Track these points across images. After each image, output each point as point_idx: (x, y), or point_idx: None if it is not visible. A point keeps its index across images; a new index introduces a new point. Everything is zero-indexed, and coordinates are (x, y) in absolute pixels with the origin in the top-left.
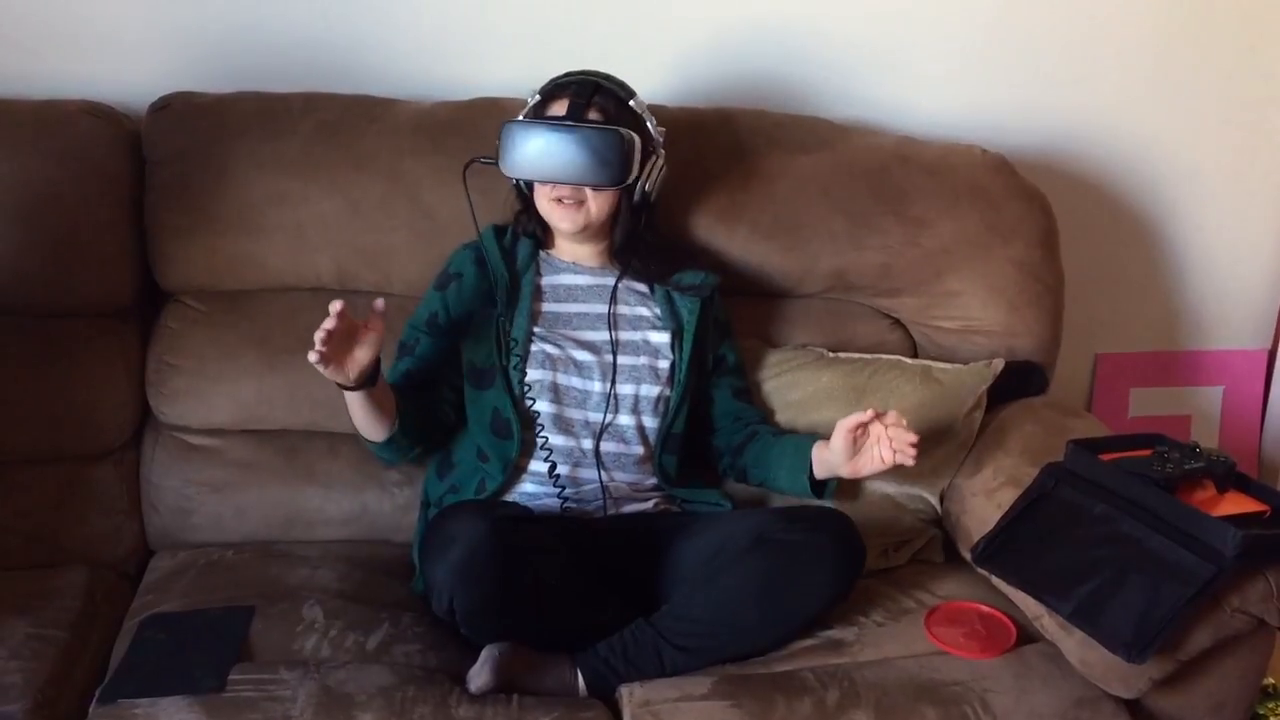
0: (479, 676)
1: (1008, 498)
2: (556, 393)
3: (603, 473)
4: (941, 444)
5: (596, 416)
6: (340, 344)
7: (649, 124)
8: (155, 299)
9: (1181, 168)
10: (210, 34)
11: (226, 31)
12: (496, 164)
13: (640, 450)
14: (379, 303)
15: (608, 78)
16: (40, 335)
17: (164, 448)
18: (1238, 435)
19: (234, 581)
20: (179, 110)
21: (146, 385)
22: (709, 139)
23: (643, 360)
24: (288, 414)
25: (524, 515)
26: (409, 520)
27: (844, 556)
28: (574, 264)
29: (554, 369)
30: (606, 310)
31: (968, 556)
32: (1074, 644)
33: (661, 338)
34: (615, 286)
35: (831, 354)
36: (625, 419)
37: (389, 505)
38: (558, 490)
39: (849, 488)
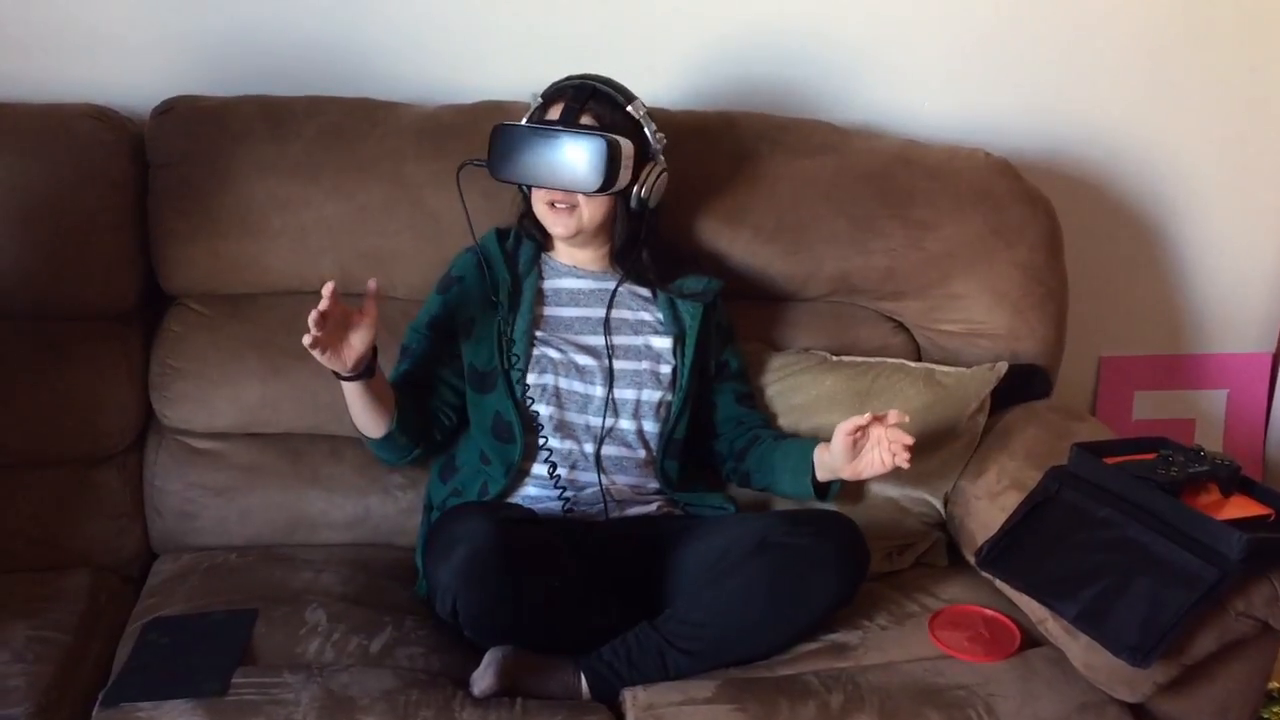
0: (482, 680)
1: (1011, 501)
2: (558, 397)
3: (603, 476)
4: (945, 447)
5: (598, 420)
6: (335, 329)
7: (647, 130)
8: (158, 302)
9: (1185, 171)
10: (213, 38)
11: (229, 35)
12: (486, 166)
13: (642, 454)
14: (372, 283)
15: (607, 82)
16: (43, 338)
17: (167, 451)
18: (1242, 439)
19: (237, 585)
20: (182, 114)
21: (150, 388)
22: (712, 142)
23: (644, 365)
24: (291, 417)
25: (528, 517)
26: (412, 524)
27: (848, 561)
28: (575, 268)
29: (555, 373)
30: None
31: (972, 560)
32: (1078, 648)
33: (663, 343)
34: (614, 291)
35: (835, 358)
36: (626, 423)
37: (392, 509)
38: (559, 493)
39: (852, 491)
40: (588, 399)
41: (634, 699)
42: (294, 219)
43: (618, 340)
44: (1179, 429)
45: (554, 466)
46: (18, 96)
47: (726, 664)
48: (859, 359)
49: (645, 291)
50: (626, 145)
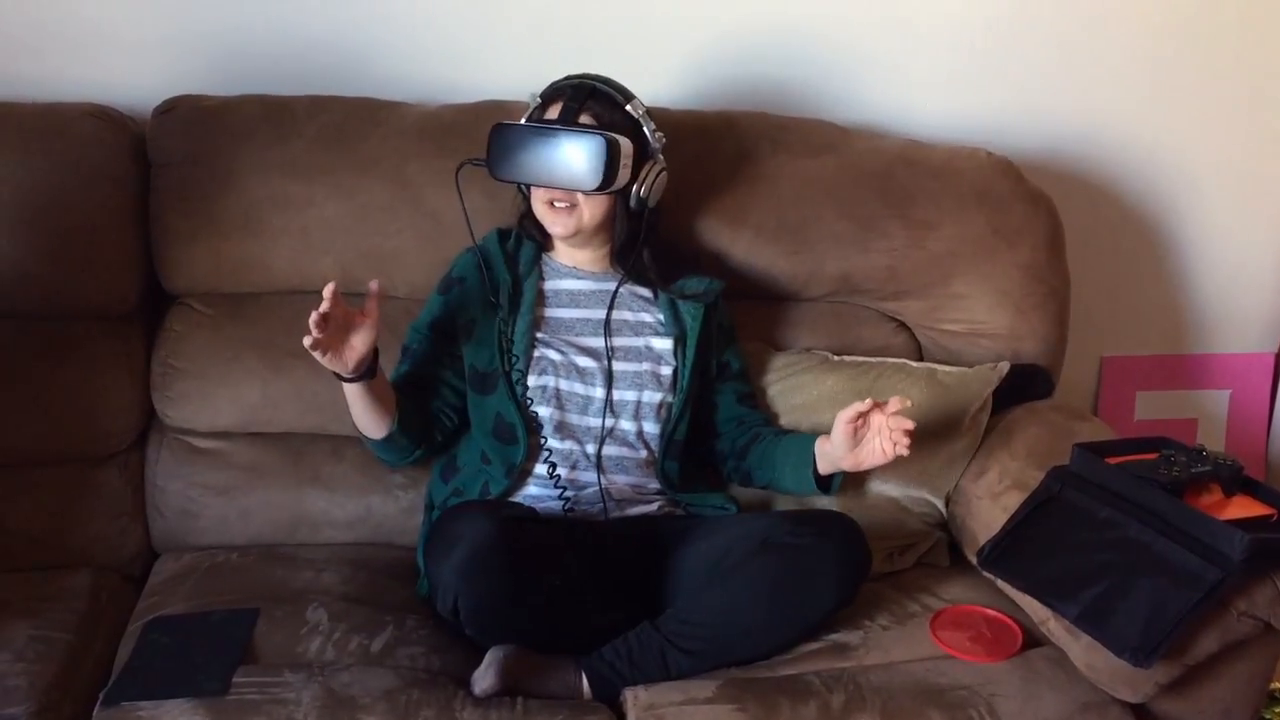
0: (483, 679)
1: (1013, 501)
2: (559, 398)
3: (603, 477)
4: (947, 447)
5: (598, 421)
6: (336, 330)
7: (646, 129)
8: (160, 302)
9: (1188, 170)
10: (215, 37)
11: (231, 34)
12: (486, 166)
13: (643, 455)
14: (374, 284)
15: (606, 81)
16: (45, 338)
17: (169, 450)
18: (1245, 439)
19: (238, 584)
20: (184, 113)
21: (151, 388)
22: (713, 142)
23: (645, 366)
24: (292, 417)
25: (529, 516)
26: (413, 523)
27: (850, 561)
28: (575, 269)
29: (556, 374)
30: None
31: (973, 560)
32: (1080, 648)
33: (664, 344)
34: (614, 292)
35: (836, 357)
36: (627, 424)
37: (393, 508)
38: (560, 493)
39: (854, 489)
40: (588, 400)
41: (635, 699)
42: (295, 218)
43: (618, 342)
44: (1181, 429)
45: (554, 467)
46: (19, 96)
47: (728, 664)
48: (860, 359)
49: (646, 292)
50: (625, 144)
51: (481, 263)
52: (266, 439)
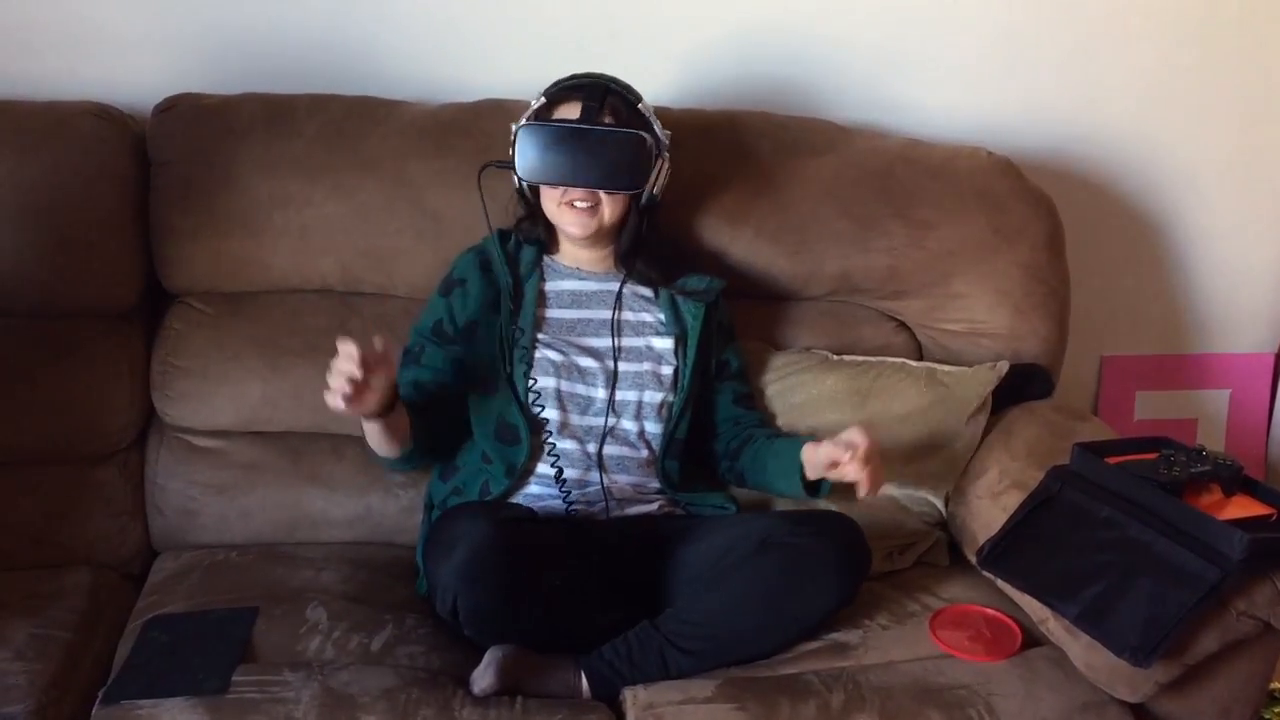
0: (482, 678)
1: (1013, 501)
2: (560, 399)
3: (605, 476)
4: (946, 447)
5: (599, 421)
6: (359, 389)
7: (656, 127)
8: (160, 300)
9: (1188, 170)
10: (215, 35)
11: (232, 33)
12: (512, 168)
13: (644, 454)
14: (379, 341)
15: (615, 80)
16: (45, 336)
17: (169, 449)
18: (1244, 439)
19: (238, 583)
20: (184, 112)
21: (151, 387)
22: (714, 141)
23: (646, 366)
24: (292, 416)
25: (528, 516)
26: (413, 522)
27: (850, 561)
28: (578, 269)
29: (557, 375)
30: (610, 316)
31: (973, 559)
32: (1079, 648)
33: (665, 343)
34: (620, 292)
35: (836, 357)
36: (628, 424)
37: (393, 507)
38: (564, 495)
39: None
40: (589, 400)
41: (634, 698)
42: (295, 217)
43: (621, 342)
44: (1181, 429)
45: (561, 471)
46: (19, 94)
47: (728, 663)
48: (860, 358)
49: (647, 292)
50: (651, 142)
51: (487, 260)
52: (266, 438)
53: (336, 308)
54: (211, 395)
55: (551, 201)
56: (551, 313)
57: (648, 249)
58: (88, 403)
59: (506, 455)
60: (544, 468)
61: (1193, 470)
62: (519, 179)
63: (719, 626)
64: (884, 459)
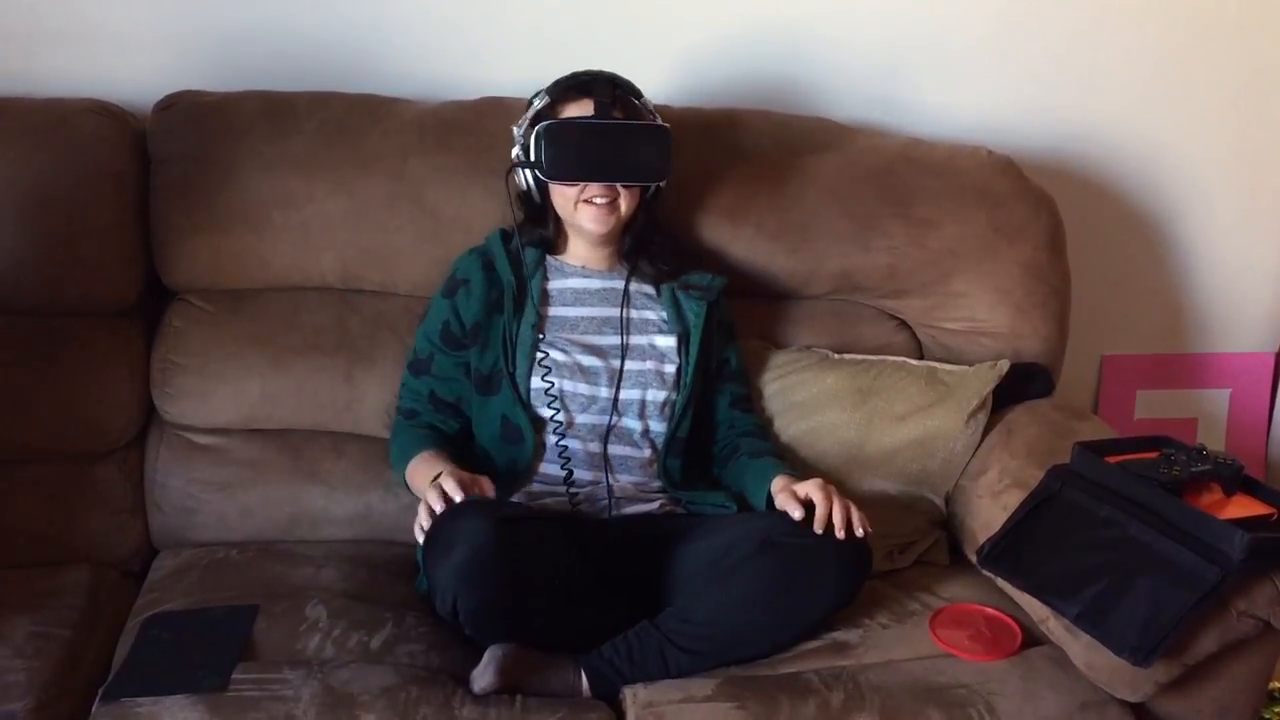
0: (482, 677)
1: (1013, 500)
2: (563, 398)
3: (609, 475)
4: (946, 446)
5: (602, 420)
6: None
7: (659, 120)
8: (160, 298)
9: (1189, 169)
10: (216, 33)
11: (232, 30)
12: (535, 168)
13: (646, 453)
14: (485, 483)
15: (616, 76)
16: (45, 334)
17: (168, 447)
18: (1245, 438)
19: (238, 581)
20: (184, 109)
21: (151, 384)
22: (714, 140)
23: (649, 365)
24: (292, 413)
25: (528, 515)
26: (413, 520)
27: (850, 562)
28: (583, 268)
29: (560, 374)
30: (613, 314)
31: (973, 559)
32: (1080, 647)
33: (668, 341)
34: (626, 289)
35: (836, 355)
36: (632, 423)
37: (393, 505)
38: (570, 495)
39: (853, 490)
40: (592, 399)
41: (634, 697)
42: (295, 215)
43: (628, 340)
44: (1181, 428)
45: (570, 474)
46: (20, 92)
47: (728, 663)
48: (860, 357)
49: (649, 289)
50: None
51: (489, 261)
52: (266, 435)
53: (336, 305)
54: (211, 393)
55: (568, 200)
56: (555, 311)
57: (650, 246)
58: (88, 400)
59: (509, 454)
60: (547, 467)
61: (1193, 469)
62: (531, 180)
63: (719, 626)
64: (877, 464)
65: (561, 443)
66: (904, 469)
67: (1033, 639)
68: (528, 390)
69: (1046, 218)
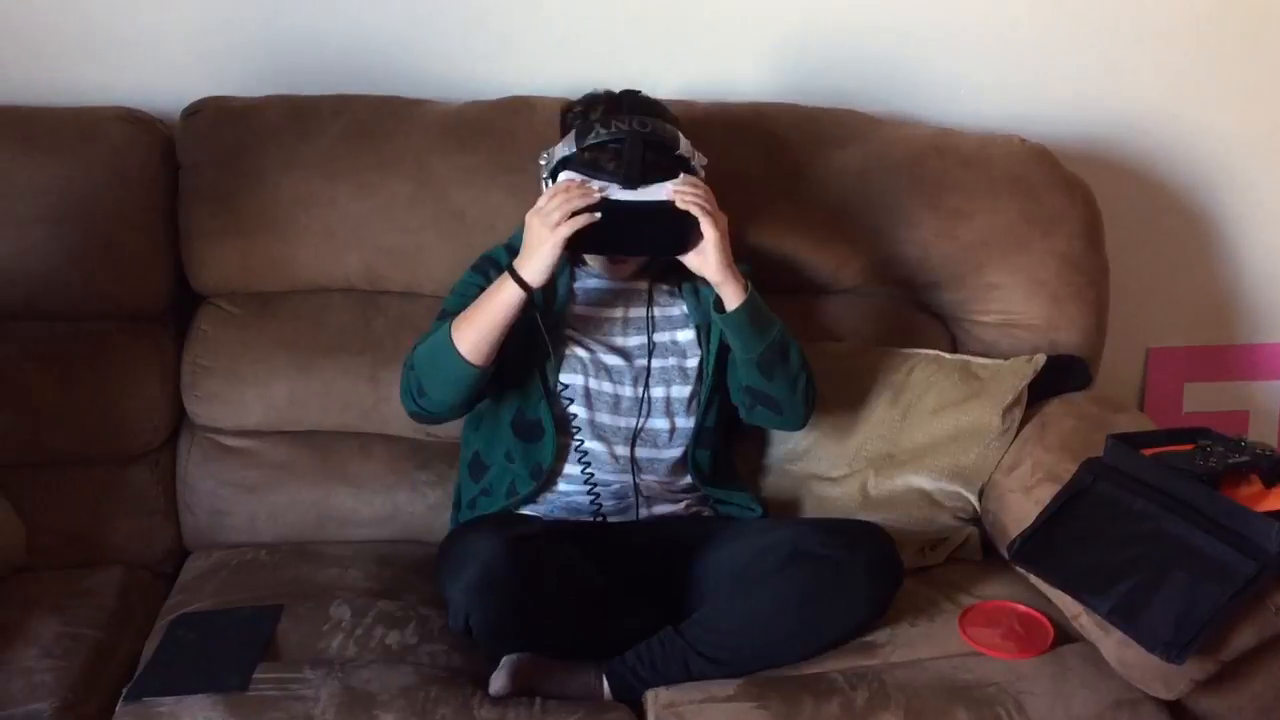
0: (496, 681)
1: (1046, 494)
2: (588, 397)
3: (637, 475)
4: (980, 441)
5: (628, 421)
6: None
7: (695, 163)
8: (189, 302)
9: (1232, 154)
10: (240, 39)
11: (257, 36)
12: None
13: (674, 452)
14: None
15: (648, 118)
16: (76, 339)
17: (199, 449)
18: None
19: (265, 581)
20: (211, 115)
21: (181, 387)
22: (741, 135)
23: (671, 361)
24: (319, 415)
25: (541, 532)
26: (440, 520)
27: (881, 576)
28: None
29: (585, 373)
30: (638, 314)
31: (1006, 554)
32: (1112, 644)
33: (688, 335)
34: (650, 293)
35: (868, 349)
36: (659, 422)
37: (420, 505)
38: (592, 496)
39: (886, 485)
40: (617, 399)
41: (655, 697)
42: (320, 217)
43: (655, 340)
44: (1232, 421)
45: (591, 476)
46: (51, 101)
47: (750, 671)
48: (893, 350)
49: (668, 285)
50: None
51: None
52: (295, 437)
53: (361, 306)
54: (240, 395)
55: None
56: (581, 310)
57: None
58: (119, 404)
59: (529, 453)
60: (571, 468)
61: (1230, 461)
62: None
63: (747, 636)
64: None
65: (583, 446)
66: (937, 464)
67: (1065, 636)
68: (554, 387)
69: (1082, 207)
